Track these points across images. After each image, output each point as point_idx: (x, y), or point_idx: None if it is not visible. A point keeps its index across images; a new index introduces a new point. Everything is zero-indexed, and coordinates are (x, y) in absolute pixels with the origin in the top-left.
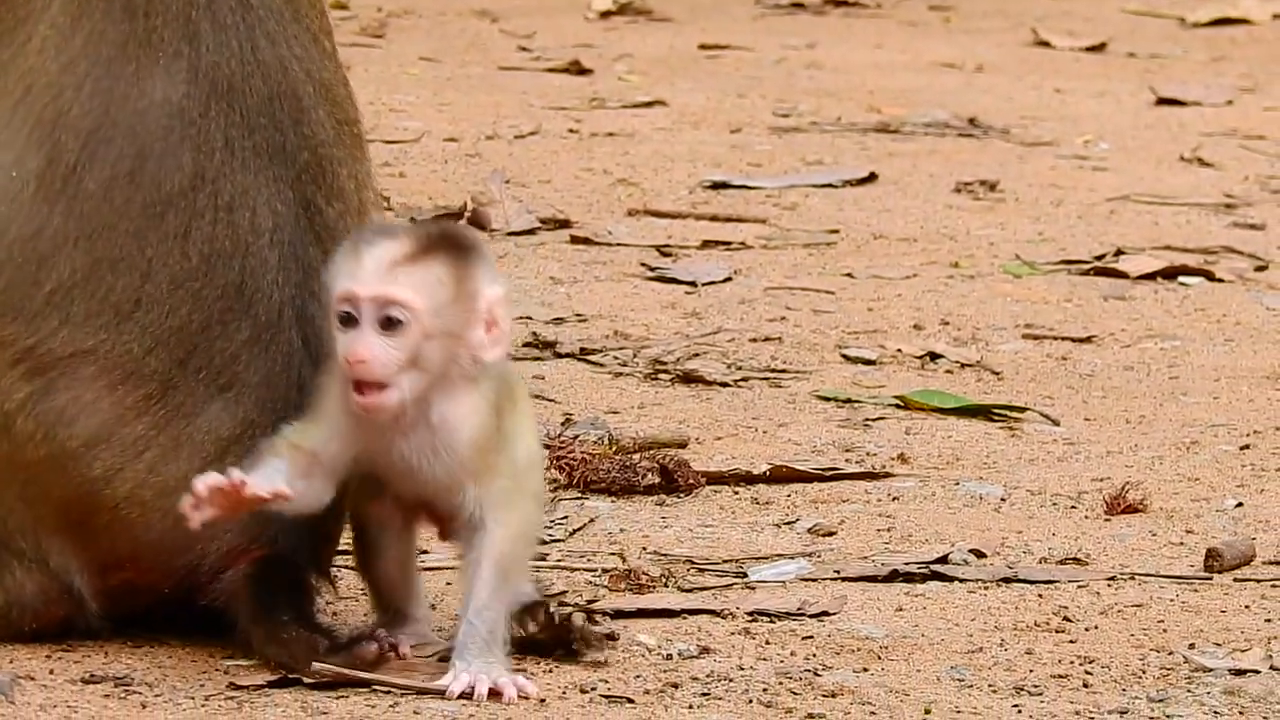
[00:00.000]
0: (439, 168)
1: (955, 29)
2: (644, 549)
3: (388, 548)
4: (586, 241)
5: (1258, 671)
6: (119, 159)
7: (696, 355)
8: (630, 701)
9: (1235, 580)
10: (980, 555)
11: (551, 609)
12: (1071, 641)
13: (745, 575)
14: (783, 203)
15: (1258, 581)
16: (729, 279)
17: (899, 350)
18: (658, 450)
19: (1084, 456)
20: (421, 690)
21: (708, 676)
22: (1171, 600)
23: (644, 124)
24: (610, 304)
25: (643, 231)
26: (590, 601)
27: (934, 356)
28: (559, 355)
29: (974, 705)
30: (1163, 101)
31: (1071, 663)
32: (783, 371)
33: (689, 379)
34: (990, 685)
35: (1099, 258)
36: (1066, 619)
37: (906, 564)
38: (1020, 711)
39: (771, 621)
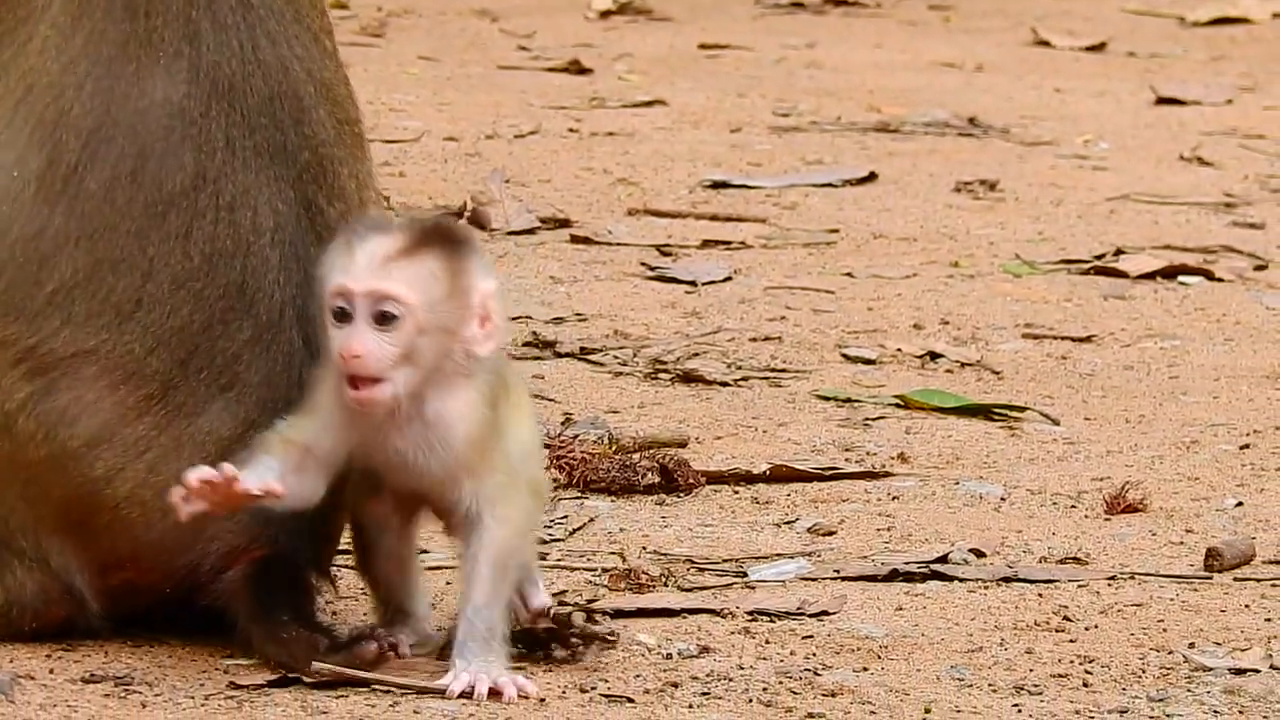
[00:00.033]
0: (439, 167)
1: (955, 28)
2: (644, 548)
3: (387, 546)
4: (586, 241)
5: (1258, 671)
6: (120, 159)
7: (696, 355)
8: (630, 701)
9: (1235, 580)
10: (980, 555)
11: (555, 613)
12: (1071, 641)
13: (745, 575)
14: (783, 202)
15: (1258, 581)
16: (729, 278)
17: (899, 350)
18: (657, 450)
19: (1084, 456)
20: (421, 690)
21: (708, 676)
22: (1171, 600)
23: (644, 123)
24: (610, 303)
25: (643, 231)
26: (590, 601)
27: (934, 356)
28: (559, 355)
29: (974, 704)
30: (1162, 101)
31: (1071, 662)
32: (783, 371)
33: (689, 378)
34: (990, 685)
35: (1099, 257)
36: (1066, 618)
37: (906, 563)
38: (1020, 711)
39: (771, 621)
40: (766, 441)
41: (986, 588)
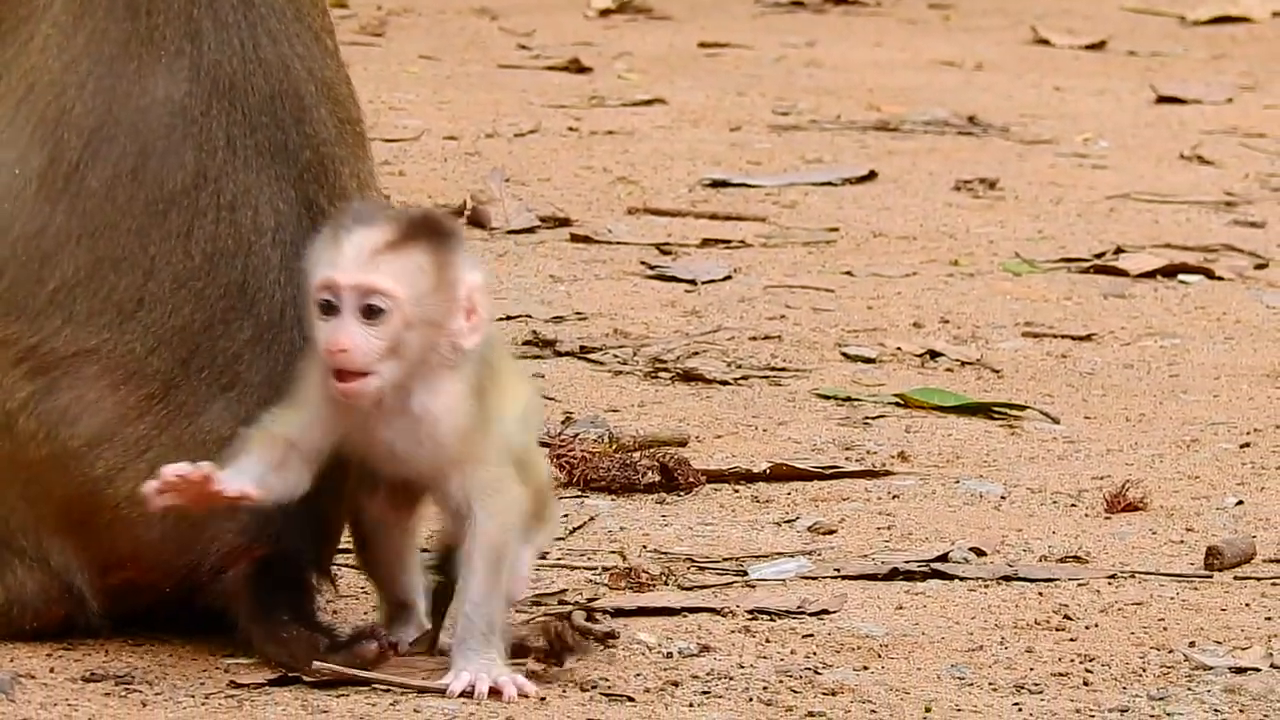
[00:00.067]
0: (439, 166)
1: (955, 27)
2: (644, 547)
3: (385, 541)
4: (586, 240)
5: (1258, 669)
6: (121, 157)
7: (696, 353)
8: (630, 700)
9: (1235, 578)
10: (980, 553)
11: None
12: (1072, 640)
13: (745, 573)
14: (782, 201)
15: (1258, 579)
16: (729, 277)
17: (899, 348)
18: (658, 448)
19: (1084, 454)
20: (422, 689)
21: (708, 675)
22: (1172, 598)
23: (644, 122)
24: (610, 302)
25: (642, 230)
26: (590, 600)
27: (934, 355)
28: (559, 353)
29: (974, 703)
30: (1163, 99)
31: (1072, 661)
32: (783, 370)
33: (689, 377)
34: (990, 683)
35: (1099, 256)
36: (1067, 617)
37: (907, 562)
38: (1021, 710)
39: (772, 620)
40: (767, 440)
41: (987, 586)
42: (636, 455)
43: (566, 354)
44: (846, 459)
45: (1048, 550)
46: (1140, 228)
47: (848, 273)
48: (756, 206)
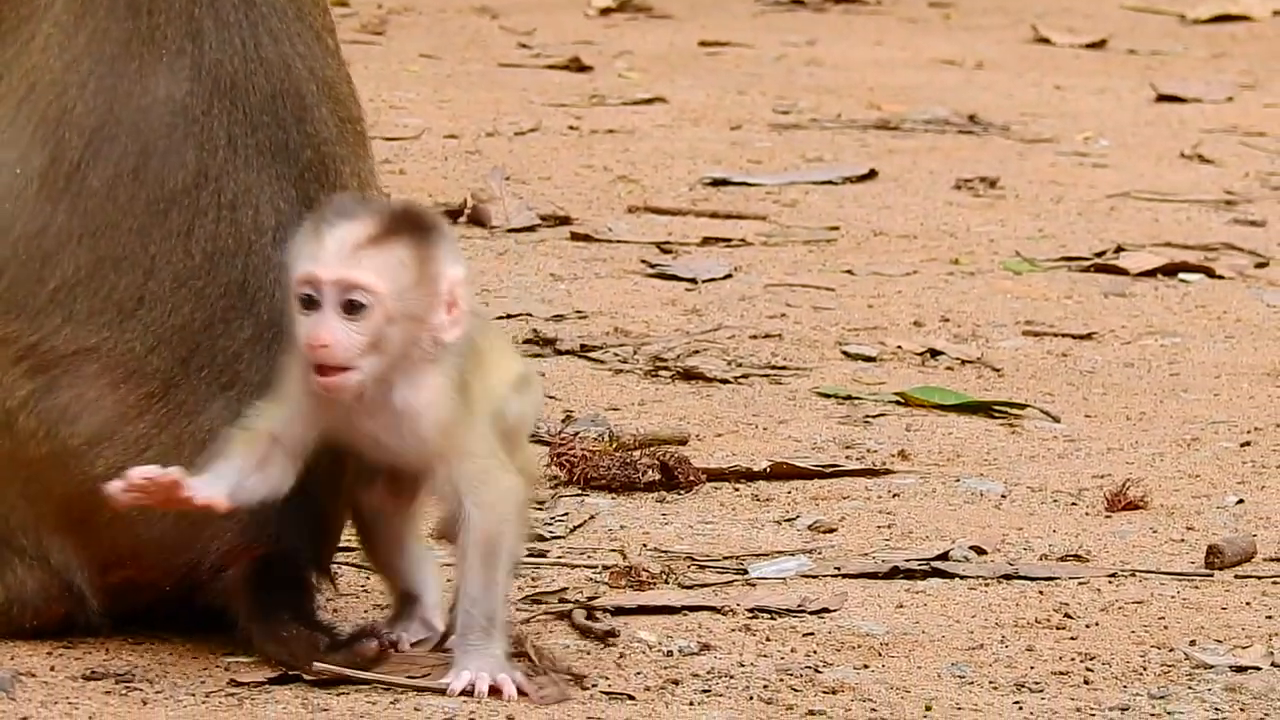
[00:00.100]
0: (439, 165)
1: (955, 26)
2: (644, 546)
3: (385, 530)
4: (587, 238)
5: (1259, 668)
6: (122, 157)
7: (697, 352)
8: (630, 698)
9: (1236, 577)
10: (981, 552)
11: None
12: (1072, 638)
13: (746, 572)
14: (783, 200)
15: (1259, 578)
16: (729, 276)
17: (899, 347)
18: (658, 447)
19: (1084, 453)
20: (422, 688)
21: (708, 673)
22: (1172, 597)
23: (644, 121)
24: (610, 301)
25: (643, 228)
26: (591, 598)
27: (934, 353)
28: (559, 352)
29: (975, 702)
30: (1163, 98)
31: (1072, 659)
32: (783, 368)
33: (689, 376)
34: (991, 682)
35: (1099, 254)
36: (1067, 616)
37: (907, 561)
38: (1021, 708)
39: (772, 618)
40: (767, 439)
41: (987, 585)
42: (637, 454)
43: (567, 352)
44: (847, 457)
45: (1048, 549)
46: (1140, 226)
47: (848, 271)
48: (757, 205)
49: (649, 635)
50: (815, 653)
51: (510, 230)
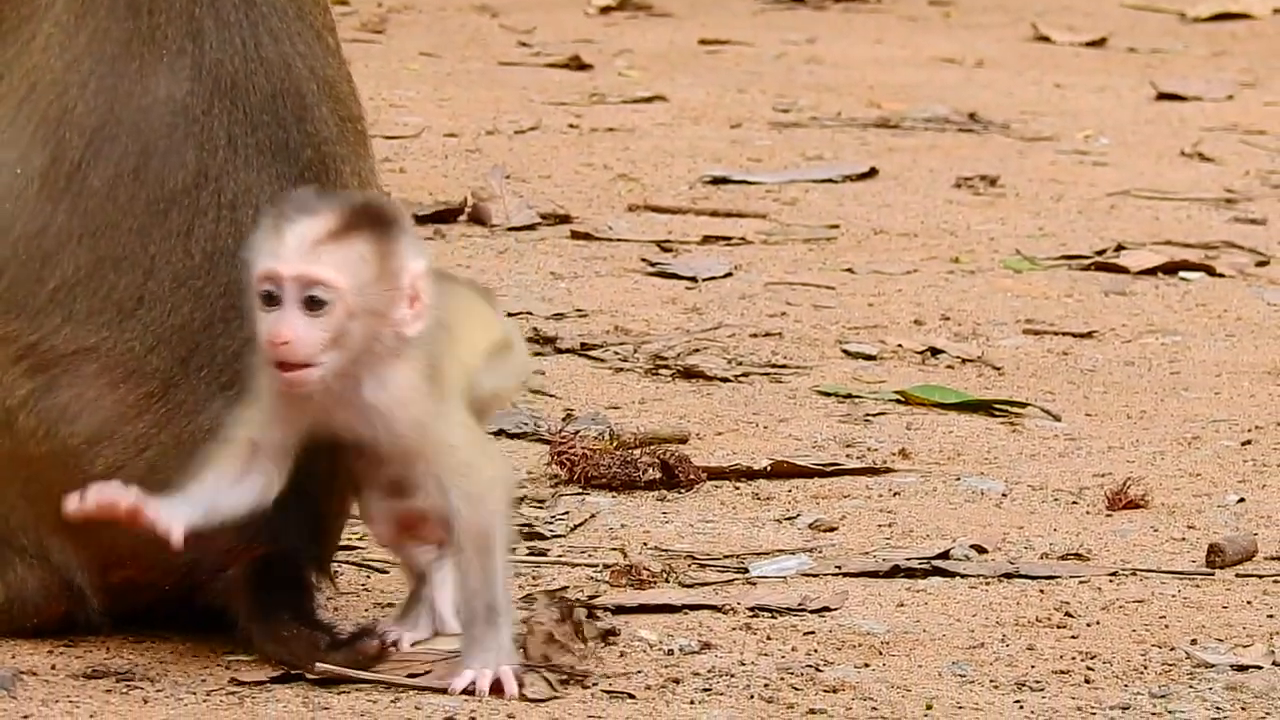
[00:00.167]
0: (439, 163)
1: (955, 24)
2: (645, 544)
3: (377, 506)
4: (587, 237)
5: (1260, 667)
6: (123, 156)
7: (697, 350)
8: (631, 697)
9: (1237, 576)
10: (981, 551)
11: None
12: (1073, 637)
13: (746, 571)
14: (783, 198)
15: (1259, 577)
16: (729, 274)
17: (900, 345)
18: (658, 445)
19: (1085, 452)
20: (423, 687)
21: (709, 672)
22: (1173, 596)
23: (644, 119)
24: (611, 299)
25: (643, 227)
26: (591, 597)
27: (935, 352)
28: (560, 350)
29: (975, 701)
30: (1163, 96)
31: (1073, 658)
32: (783, 367)
33: (689, 374)
34: (992, 681)
35: (1099, 253)
36: (1068, 614)
37: (908, 559)
38: (1022, 707)
39: (773, 617)
40: (767, 437)
41: (988, 584)
42: (637, 452)
43: (567, 351)
44: (847, 456)
45: (1049, 548)
46: (1141, 225)
47: (848, 270)
48: (757, 203)
49: (650, 634)
50: (816, 651)
51: (510, 229)
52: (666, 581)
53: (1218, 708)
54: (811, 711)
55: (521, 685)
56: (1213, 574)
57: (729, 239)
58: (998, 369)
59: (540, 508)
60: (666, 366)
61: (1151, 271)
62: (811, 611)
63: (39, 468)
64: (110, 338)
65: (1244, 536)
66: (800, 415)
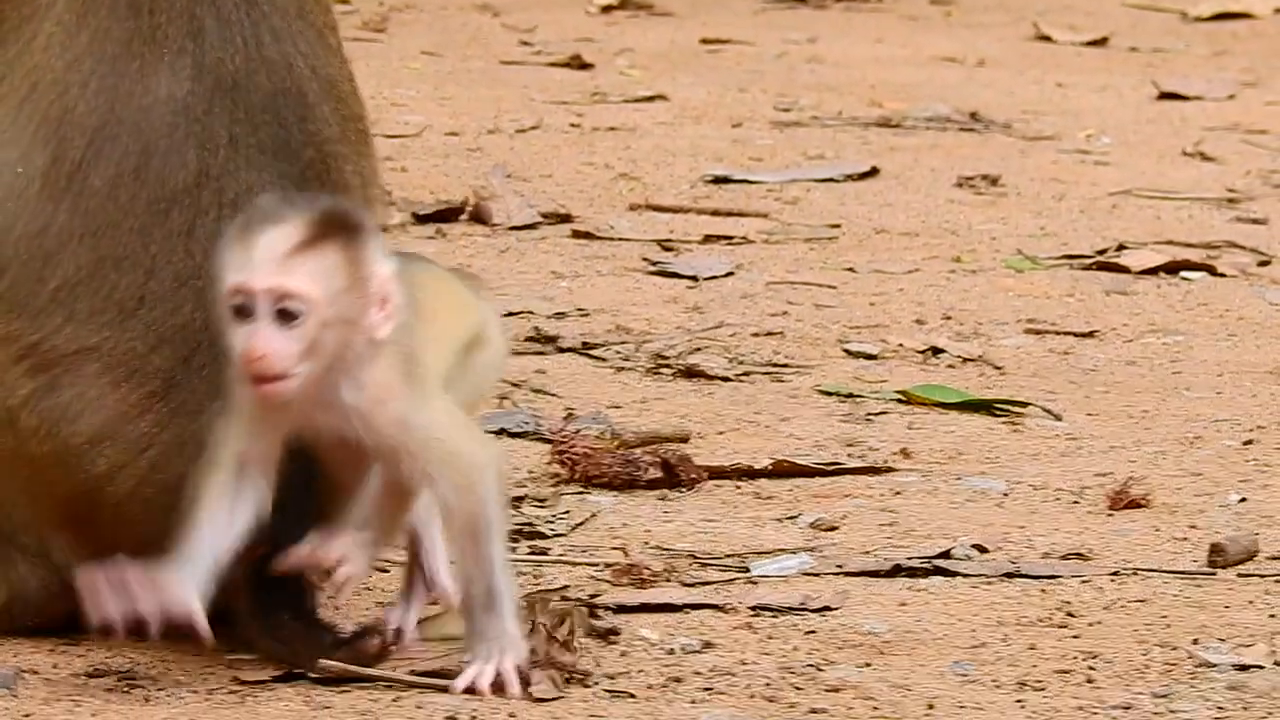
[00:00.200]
0: (440, 162)
1: (956, 23)
2: (646, 543)
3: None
4: (588, 236)
5: (1262, 667)
6: (124, 156)
7: (698, 350)
8: (632, 696)
9: (1239, 576)
10: (983, 550)
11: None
12: (1075, 637)
13: (747, 570)
14: (784, 197)
15: (1261, 577)
16: (730, 273)
17: (901, 345)
18: (659, 445)
19: (1087, 451)
20: (425, 685)
21: (710, 671)
22: (1175, 596)
23: (645, 118)
24: (612, 298)
25: (644, 226)
26: (592, 596)
27: (936, 351)
28: (560, 350)
29: (977, 700)
30: (1165, 96)
31: (1075, 658)
32: (784, 366)
33: (691, 373)
34: (993, 680)
35: (1101, 252)
36: (1070, 614)
37: (909, 559)
38: (1023, 707)
39: (774, 616)
40: (768, 437)
41: (989, 583)
42: (638, 451)
43: (568, 350)
44: (849, 455)
45: (1050, 547)
46: (1142, 224)
47: (850, 269)
48: (758, 203)
49: (651, 633)
50: (817, 651)
51: (511, 228)
52: (668, 581)
53: (1220, 707)
54: (813, 711)
55: (528, 683)
56: (1215, 574)
57: (730, 238)
58: (999, 368)
59: (541, 507)
60: (668, 366)
61: (1153, 271)
62: (813, 611)
63: (41, 467)
64: (112, 337)
65: (1246, 536)
66: (801, 414)
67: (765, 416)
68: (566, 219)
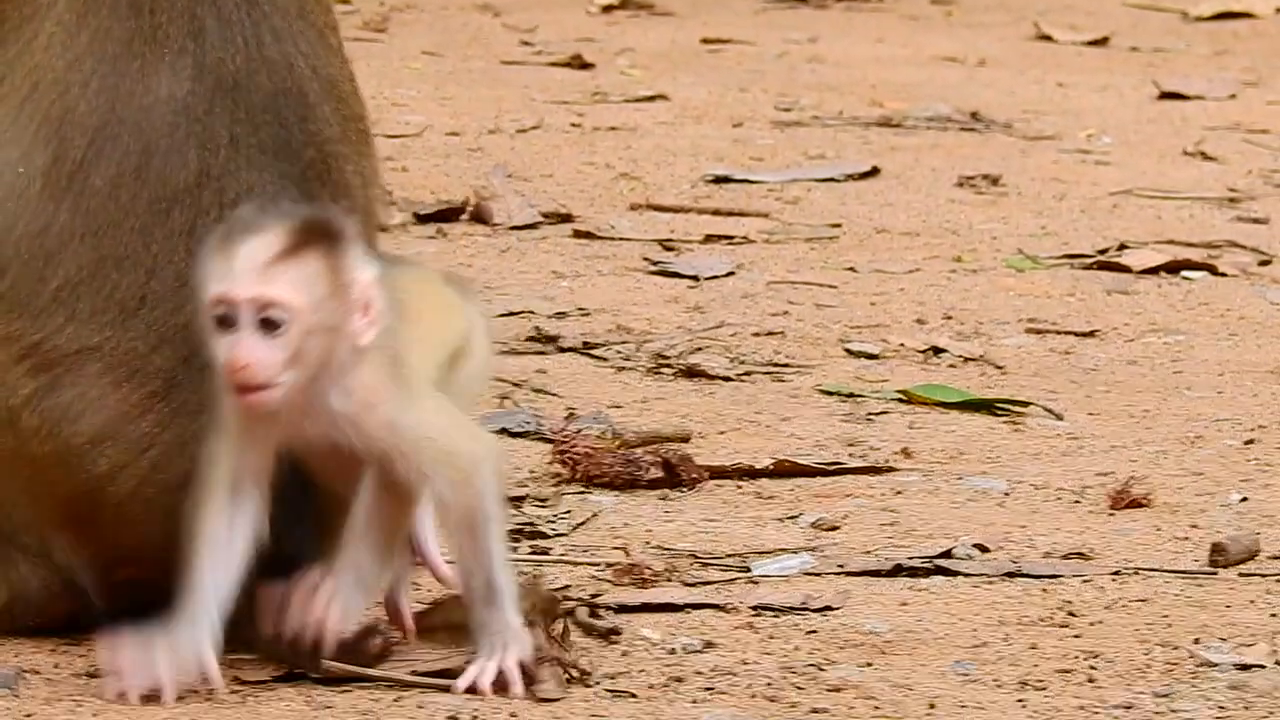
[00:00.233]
0: (441, 162)
1: (957, 23)
2: (647, 543)
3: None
4: (589, 236)
5: (1263, 666)
6: (125, 156)
7: (699, 349)
8: (633, 696)
9: (1240, 575)
10: (984, 550)
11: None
12: (1076, 636)
13: (749, 570)
14: (785, 197)
15: (1263, 576)
16: (731, 273)
17: (902, 344)
18: (661, 444)
19: (1088, 451)
20: (426, 685)
21: (711, 671)
22: (1176, 595)
23: (646, 118)
24: (613, 298)
25: (645, 225)
26: (594, 596)
27: (937, 351)
28: (561, 349)
29: (978, 700)
30: (1165, 95)
31: (1076, 658)
32: (785, 366)
33: (692, 373)
34: (995, 680)
35: (1102, 252)
36: (1071, 614)
37: (910, 559)
38: (1025, 706)
39: (775, 616)
40: (769, 436)
41: (991, 583)
42: (639, 451)
43: (569, 350)
44: (850, 455)
45: (1052, 547)
46: (1143, 224)
47: (850, 269)
48: (759, 202)
49: (652, 633)
50: (818, 651)
51: (512, 228)
52: (669, 580)
53: (1221, 707)
54: (814, 711)
55: (534, 680)
56: (1216, 573)
57: (731, 238)
58: (1000, 368)
59: (542, 506)
60: (669, 365)
61: (1154, 271)
62: (814, 610)
63: (42, 467)
64: (113, 337)
65: (1247, 536)
66: (802, 414)
67: (766, 416)
68: (567, 219)
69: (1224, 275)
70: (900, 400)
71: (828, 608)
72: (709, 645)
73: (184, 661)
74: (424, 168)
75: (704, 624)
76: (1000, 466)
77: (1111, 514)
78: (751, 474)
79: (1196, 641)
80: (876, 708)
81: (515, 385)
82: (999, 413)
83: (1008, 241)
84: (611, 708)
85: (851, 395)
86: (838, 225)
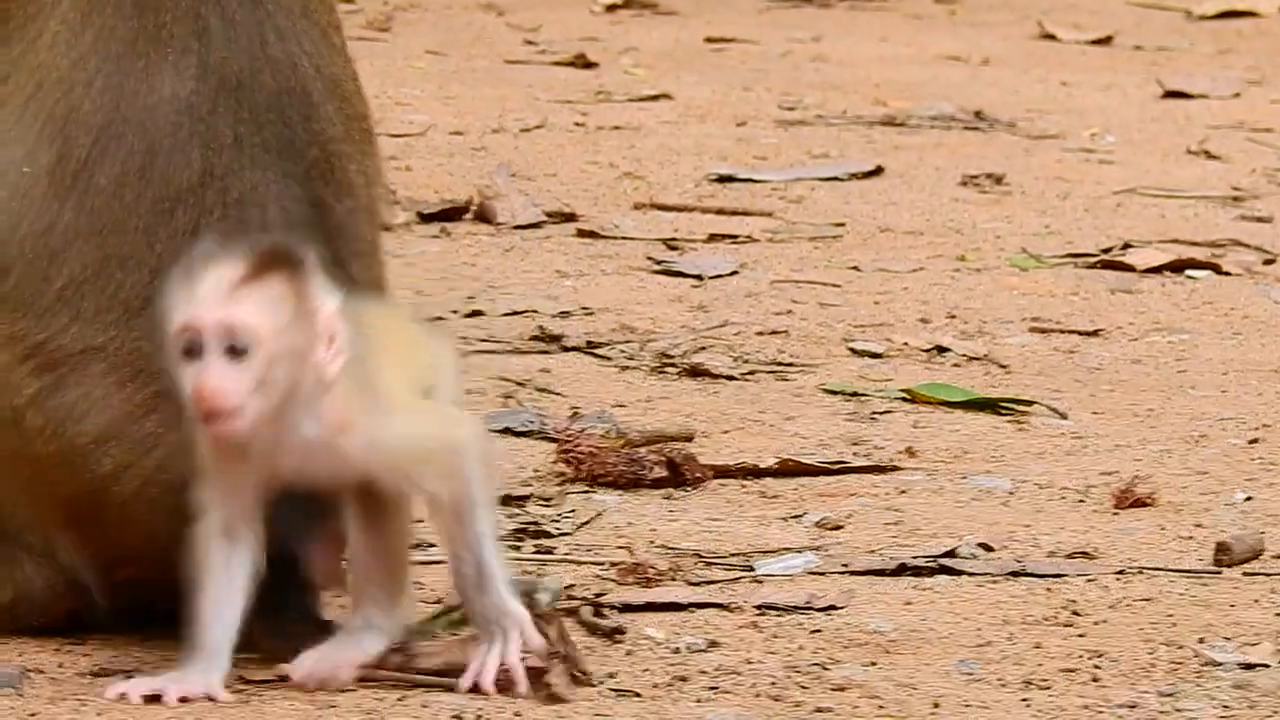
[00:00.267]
0: (445, 161)
1: (961, 22)
2: (651, 542)
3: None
4: (592, 235)
5: (1267, 666)
6: (129, 155)
7: (703, 349)
8: (638, 695)
9: (1244, 574)
10: (988, 549)
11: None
12: (1080, 635)
13: (753, 569)
14: (789, 196)
15: (1267, 575)
16: (735, 272)
17: (906, 343)
18: (665, 444)
19: (1092, 450)
20: (429, 684)
21: (716, 670)
22: (1181, 594)
23: (650, 117)
24: (616, 297)
25: (649, 225)
26: (598, 595)
27: (941, 350)
28: (565, 349)
29: (982, 699)
30: (1169, 94)
31: (1080, 657)
32: (789, 365)
33: (695, 372)
34: (999, 679)
35: (1106, 251)
36: (1075, 613)
37: (914, 558)
38: (1029, 705)
39: (779, 615)
40: (774, 436)
41: (995, 582)
42: (643, 450)
43: (573, 349)
44: (854, 454)
45: (1056, 546)
46: (1147, 223)
47: (854, 268)
48: (763, 201)
49: (656, 632)
50: (823, 650)
51: (516, 227)
52: (673, 580)
53: (1225, 706)
54: (818, 710)
55: (544, 674)
56: (1220, 572)
57: (735, 237)
58: (1004, 367)
59: (546, 506)
60: (672, 364)
61: (1158, 269)
62: (818, 610)
63: (46, 466)
64: (118, 336)
65: (1251, 535)
66: (806, 413)
67: (770, 415)
68: (571, 218)
69: (1228, 274)
70: (904, 399)
71: (832, 607)
72: (713, 644)
73: (197, 694)
74: (428, 167)
75: (708, 623)
76: (1004, 466)
77: (1116, 513)
78: (755, 473)
79: (1201, 641)
80: (881, 707)
81: (519, 384)
82: (1003, 412)
83: (1011, 240)
84: (616, 707)
85: (855, 394)
86: (841, 224)
